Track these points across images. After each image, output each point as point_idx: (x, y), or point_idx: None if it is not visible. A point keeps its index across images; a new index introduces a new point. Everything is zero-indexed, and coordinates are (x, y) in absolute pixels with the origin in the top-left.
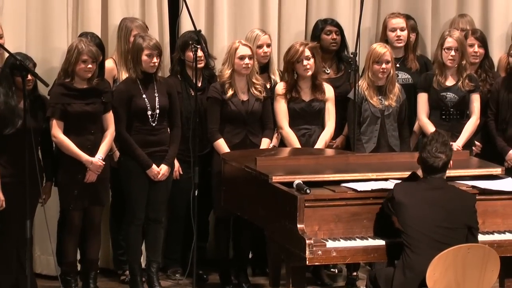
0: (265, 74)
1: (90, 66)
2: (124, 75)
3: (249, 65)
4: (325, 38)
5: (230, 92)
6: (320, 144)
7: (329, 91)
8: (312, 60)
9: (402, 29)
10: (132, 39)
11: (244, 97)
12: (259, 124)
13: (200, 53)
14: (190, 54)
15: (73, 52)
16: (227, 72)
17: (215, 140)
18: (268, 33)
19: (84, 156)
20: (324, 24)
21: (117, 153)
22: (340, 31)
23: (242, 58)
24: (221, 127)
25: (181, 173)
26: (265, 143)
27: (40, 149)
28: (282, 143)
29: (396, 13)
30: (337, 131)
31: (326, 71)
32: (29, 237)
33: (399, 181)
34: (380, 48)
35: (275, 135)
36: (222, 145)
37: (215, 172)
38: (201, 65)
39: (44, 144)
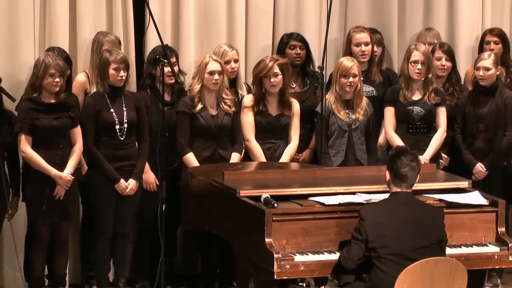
0: (232, 89)
1: (57, 80)
2: (96, 88)
3: (218, 81)
4: (289, 52)
5: (199, 106)
6: (285, 158)
7: (295, 106)
8: (280, 77)
9: (366, 44)
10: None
11: (213, 111)
12: (229, 138)
13: (168, 68)
14: (159, 69)
15: (40, 66)
16: (197, 87)
17: (185, 154)
18: (235, 48)
19: (53, 171)
20: (288, 39)
21: (85, 167)
22: (305, 45)
23: (211, 73)
24: (191, 141)
25: (157, 183)
26: (235, 158)
27: (6, 163)
28: (246, 155)
29: (360, 27)
30: (304, 145)
31: (291, 85)
32: None
33: (365, 196)
34: (348, 62)
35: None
36: (191, 159)
37: (184, 186)
38: (172, 80)
39: (10, 159)
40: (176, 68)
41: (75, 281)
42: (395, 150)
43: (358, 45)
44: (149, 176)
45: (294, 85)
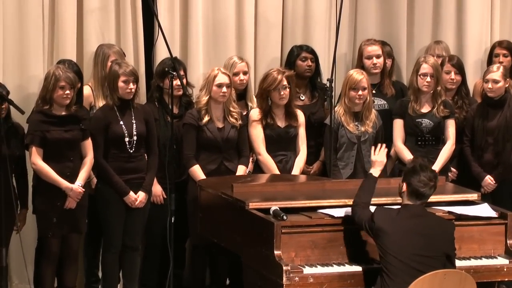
0: (242, 101)
1: (68, 92)
2: (100, 101)
3: (226, 94)
4: (300, 64)
5: (206, 119)
6: (296, 170)
7: (301, 117)
8: (288, 90)
9: (378, 57)
10: (109, 64)
11: (220, 124)
12: (235, 150)
13: (177, 81)
14: (167, 81)
15: (51, 79)
16: (204, 99)
17: (191, 166)
18: (246, 60)
19: (64, 183)
20: (299, 51)
21: (95, 180)
22: (315, 58)
23: (220, 86)
24: (197, 153)
25: (165, 196)
26: (241, 170)
27: (14, 176)
28: (257, 168)
29: (371, 39)
30: (314, 157)
31: (301, 97)
32: (4, 266)
33: (373, 208)
34: (357, 75)
35: (250, 161)
36: (197, 171)
37: (191, 199)
38: (179, 92)
39: (18, 172)
40: (184, 81)
41: None
42: (414, 163)
43: (370, 58)
44: (156, 189)
45: (304, 98)
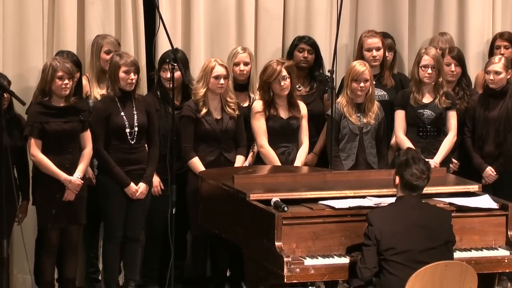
0: (244, 92)
1: (66, 82)
2: (95, 91)
3: (224, 85)
4: (297, 55)
5: (204, 110)
6: (299, 161)
7: (303, 109)
8: (288, 80)
9: (377, 49)
10: (103, 55)
11: (217, 115)
12: (233, 141)
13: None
14: (163, 73)
15: (48, 71)
16: (202, 91)
17: (190, 158)
18: (249, 51)
19: (62, 175)
20: (299, 42)
21: (90, 171)
22: (315, 50)
23: (217, 77)
24: (196, 145)
25: (162, 187)
26: (239, 161)
27: (15, 168)
28: (258, 161)
29: (372, 31)
30: (309, 149)
31: (298, 88)
32: (5, 257)
33: (375, 199)
34: (359, 66)
35: (251, 153)
36: (197, 163)
37: (190, 190)
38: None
39: (19, 163)
40: (178, 74)
41: (80, 283)
42: (407, 155)
43: (370, 50)
44: (154, 180)
45: (301, 88)
